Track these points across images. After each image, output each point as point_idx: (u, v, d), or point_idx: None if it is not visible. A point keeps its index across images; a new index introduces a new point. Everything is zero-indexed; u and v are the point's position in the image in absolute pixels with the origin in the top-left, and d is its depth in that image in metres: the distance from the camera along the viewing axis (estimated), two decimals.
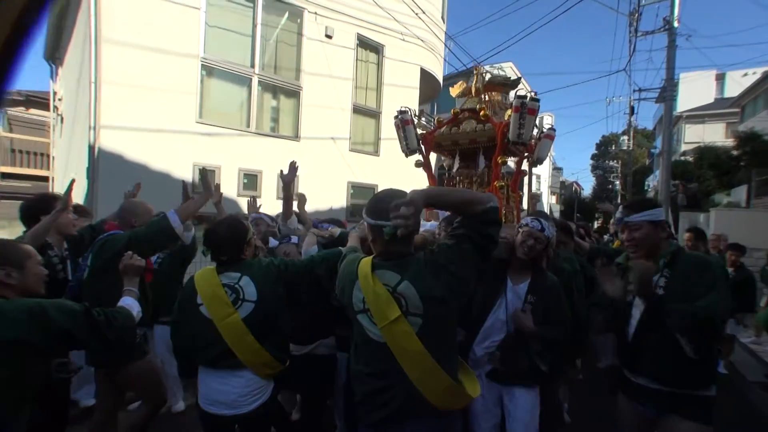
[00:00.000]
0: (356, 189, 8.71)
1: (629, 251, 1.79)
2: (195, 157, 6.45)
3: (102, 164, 5.67)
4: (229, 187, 6.72)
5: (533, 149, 4.14)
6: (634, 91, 20.07)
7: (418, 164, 4.25)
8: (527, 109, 3.50)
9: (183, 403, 3.19)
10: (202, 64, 6.57)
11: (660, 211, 1.73)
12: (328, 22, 8.02)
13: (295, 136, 7.78)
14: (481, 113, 3.93)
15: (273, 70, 7.55)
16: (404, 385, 1.29)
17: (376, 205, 1.39)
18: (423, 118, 4.28)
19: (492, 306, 1.98)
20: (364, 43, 8.74)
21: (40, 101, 13.78)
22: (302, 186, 7.85)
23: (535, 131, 4.23)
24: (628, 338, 1.71)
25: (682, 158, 19.60)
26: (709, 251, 4.88)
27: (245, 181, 7.07)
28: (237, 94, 7.14)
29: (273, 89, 7.65)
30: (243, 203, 6.62)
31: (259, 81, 7.27)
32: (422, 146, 4.17)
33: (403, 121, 4.10)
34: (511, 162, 4.68)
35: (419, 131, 4.18)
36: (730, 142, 16.03)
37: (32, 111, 14.13)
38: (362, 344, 1.40)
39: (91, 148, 5.57)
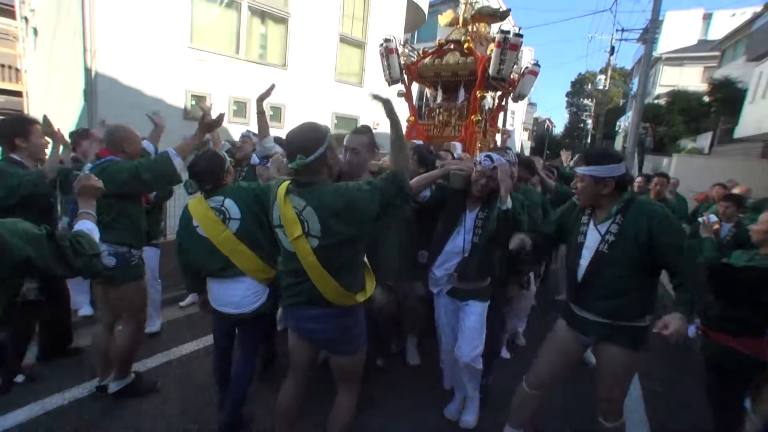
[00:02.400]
0: (339, 119, 8.83)
1: (575, 196, 1.93)
2: (187, 83, 6.46)
3: (99, 87, 5.57)
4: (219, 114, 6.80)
5: (515, 84, 4.25)
6: (617, 30, 19.51)
7: (400, 94, 4.29)
8: (509, 44, 3.53)
9: (159, 323, 3.33)
10: None
11: (610, 167, 1.74)
12: None
13: (283, 65, 7.73)
14: (465, 45, 3.92)
15: None
16: (307, 284, 1.62)
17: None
18: (407, 48, 4.21)
19: (451, 233, 2.22)
20: None
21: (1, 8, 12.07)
22: (288, 114, 7.95)
23: (518, 66, 4.29)
24: (578, 278, 1.82)
25: (656, 101, 19.89)
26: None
27: (235, 108, 7.18)
28: (227, 18, 6.95)
29: (262, 15, 7.39)
30: (233, 130, 6.75)
31: (248, 6, 7.00)
32: (405, 76, 4.18)
33: (387, 50, 4.04)
34: (489, 96, 4.77)
35: (402, 61, 4.15)
36: (704, 87, 16.22)
37: None
38: (282, 249, 1.71)
39: (87, 70, 5.50)
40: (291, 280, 1.69)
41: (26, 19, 10.20)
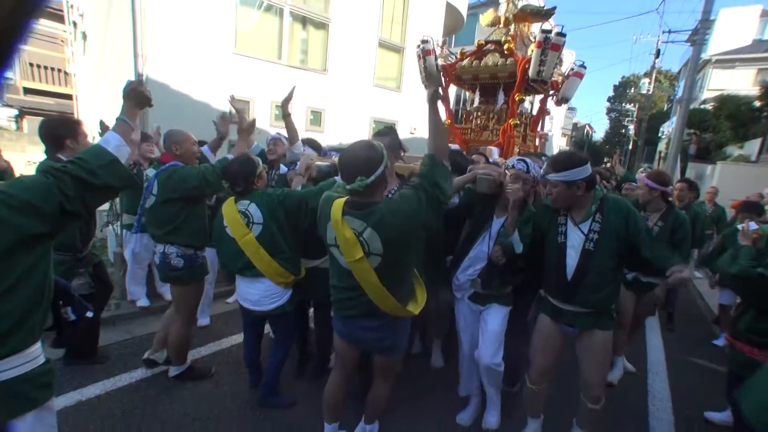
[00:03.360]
0: (377, 124, 8.91)
1: (551, 201, 2.02)
2: (231, 89, 6.50)
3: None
4: (262, 119, 7.01)
5: (558, 87, 4.11)
6: (664, 32, 18.55)
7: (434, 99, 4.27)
8: (551, 44, 3.43)
9: (208, 319, 3.58)
10: None
11: (578, 170, 1.86)
12: None
13: (323, 70, 7.89)
14: (506, 46, 3.86)
15: (303, 1, 7.36)
16: (364, 299, 1.67)
17: (344, 167, 1.60)
18: (445, 49, 4.19)
19: (477, 239, 2.21)
20: None
21: (49, 11, 12.94)
22: (327, 119, 8.10)
23: (562, 68, 4.17)
24: (567, 276, 1.94)
25: (702, 106, 18.84)
26: (693, 200, 4.89)
27: (277, 113, 7.31)
28: (270, 24, 7.15)
29: (303, 20, 7.58)
30: (275, 133, 6.97)
31: (290, 11, 7.17)
32: (442, 78, 4.16)
33: (424, 51, 4.02)
34: (528, 101, 4.65)
35: (440, 62, 4.14)
36: (756, 90, 15.22)
37: (41, 21, 13.44)
38: (335, 266, 1.75)
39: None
40: (346, 295, 1.74)
41: (75, 23, 10.72)
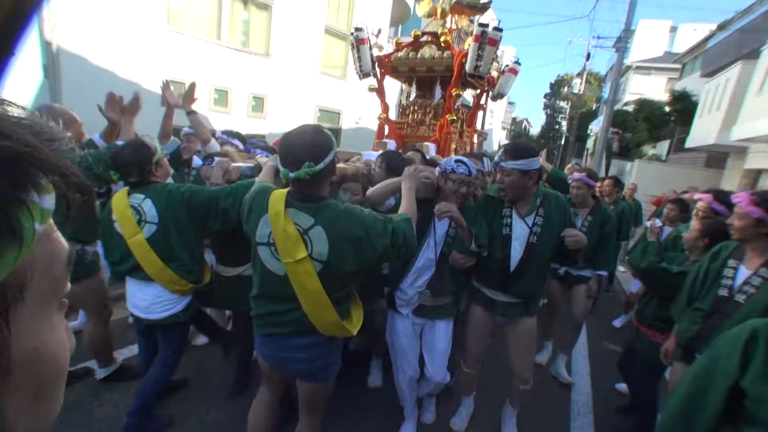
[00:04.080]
0: (322, 113, 8.73)
1: (500, 191, 1.97)
2: (165, 68, 6.08)
3: (63, 64, 5.03)
4: (200, 103, 6.60)
5: (495, 82, 4.08)
6: (594, 37, 20.38)
7: (371, 89, 4.03)
8: (488, 38, 3.33)
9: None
10: None
11: (533, 160, 1.86)
12: None
13: (266, 54, 7.50)
14: (442, 39, 3.71)
15: None
16: (297, 313, 1.40)
17: (284, 152, 1.34)
18: (379, 38, 3.94)
19: (421, 246, 1.98)
20: None
21: None
22: (271, 106, 7.72)
23: (498, 64, 4.12)
24: (509, 268, 1.94)
25: (625, 107, 20.61)
26: (622, 198, 5.20)
27: (216, 96, 6.97)
28: (207, 0, 6.62)
29: (244, 0, 7.13)
30: (214, 120, 6.50)
31: None
32: (377, 70, 3.92)
33: (358, 40, 3.75)
34: (469, 95, 4.58)
35: (375, 52, 3.89)
36: (666, 97, 16.94)
37: None
38: (260, 272, 1.45)
39: (47, 44, 4.95)
40: (275, 307, 1.44)
41: None
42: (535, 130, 48.68)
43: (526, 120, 48.83)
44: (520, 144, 1.97)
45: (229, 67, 6.88)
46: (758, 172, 8.96)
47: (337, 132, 10.46)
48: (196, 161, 2.90)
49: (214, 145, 2.70)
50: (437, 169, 2.04)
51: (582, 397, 2.92)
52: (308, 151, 1.29)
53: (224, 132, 3.30)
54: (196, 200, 1.86)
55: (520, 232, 1.94)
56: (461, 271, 2.05)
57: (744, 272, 1.74)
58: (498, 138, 33.04)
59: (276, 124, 7.57)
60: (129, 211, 1.83)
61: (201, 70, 6.45)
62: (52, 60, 4.98)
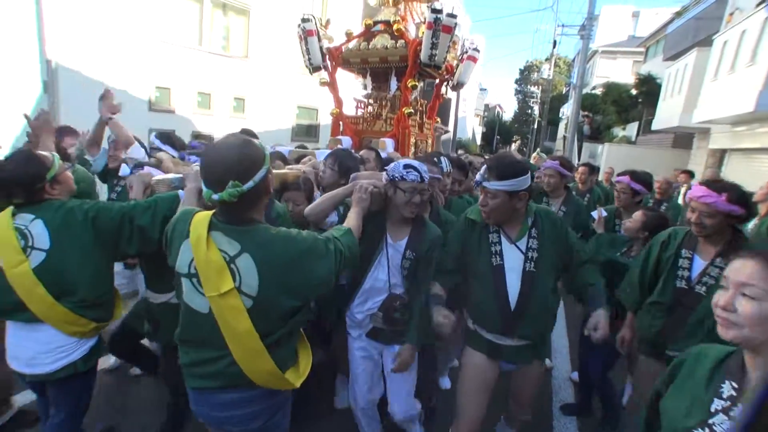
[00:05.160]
0: (302, 111, 9.16)
1: (483, 214, 1.65)
2: (151, 75, 6.60)
3: (61, 78, 5.50)
4: (184, 106, 7.15)
5: (453, 71, 3.89)
6: (558, 26, 20.69)
7: (323, 83, 3.76)
8: (441, 25, 3.12)
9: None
10: None
11: (522, 179, 1.55)
12: None
13: (245, 56, 8.01)
14: (395, 27, 3.47)
15: None
16: (226, 361, 1.16)
17: (207, 169, 1.12)
18: (328, 29, 3.66)
19: (371, 264, 1.71)
20: None
21: None
22: (251, 106, 8.13)
23: (456, 52, 3.92)
24: (510, 306, 1.61)
25: (593, 91, 20.92)
26: (597, 183, 5.06)
27: (199, 99, 7.43)
28: (190, 10, 7.16)
29: (223, 6, 7.61)
30: (198, 122, 6.89)
31: None
32: (328, 63, 3.65)
33: (305, 31, 3.47)
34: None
35: (325, 43, 3.62)
36: (633, 80, 17.26)
37: None
38: (183, 311, 1.21)
39: (47, 61, 5.45)
40: (199, 355, 1.20)
41: None
42: (508, 115, 49.16)
43: (499, 106, 49.12)
44: (506, 160, 1.60)
45: (211, 71, 7.37)
46: (723, 152, 9.24)
47: (316, 128, 10.29)
48: (124, 170, 2.58)
49: (136, 149, 2.38)
50: (384, 175, 1.73)
51: (562, 373, 3.05)
52: (233, 169, 1.07)
53: (157, 136, 2.97)
54: (103, 219, 1.52)
55: (513, 260, 1.62)
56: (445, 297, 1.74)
57: (699, 263, 1.65)
58: (471, 125, 33.09)
59: (257, 122, 7.83)
60: (12, 234, 1.45)
61: (185, 75, 6.97)
62: (51, 75, 5.45)
